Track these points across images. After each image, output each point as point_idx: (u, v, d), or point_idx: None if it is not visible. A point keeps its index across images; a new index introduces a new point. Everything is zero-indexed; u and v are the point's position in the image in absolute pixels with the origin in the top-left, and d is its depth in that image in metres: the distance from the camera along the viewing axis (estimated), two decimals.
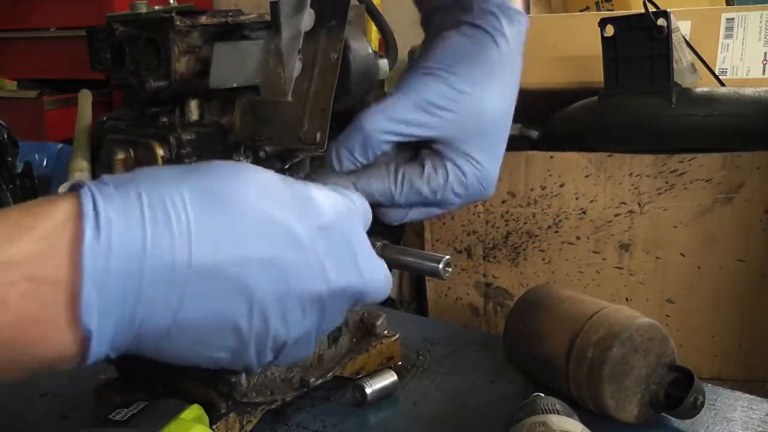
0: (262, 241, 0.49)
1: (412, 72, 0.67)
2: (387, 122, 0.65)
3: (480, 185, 0.67)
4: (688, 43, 1.35)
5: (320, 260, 0.51)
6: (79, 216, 0.42)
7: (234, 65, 0.61)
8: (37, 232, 0.41)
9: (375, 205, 0.68)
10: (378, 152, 0.65)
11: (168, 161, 0.62)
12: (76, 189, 0.45)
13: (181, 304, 0.45)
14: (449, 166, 0.66)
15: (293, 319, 0.51)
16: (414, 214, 0.69)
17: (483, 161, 0.67)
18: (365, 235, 0.56)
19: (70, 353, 0.44)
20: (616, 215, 1.35)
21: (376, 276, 0.56)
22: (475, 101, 0.66)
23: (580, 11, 1.68)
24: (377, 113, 0.65)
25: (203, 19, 0.62)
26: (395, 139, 0.65)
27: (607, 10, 1.63)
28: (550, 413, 0.60)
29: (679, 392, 0.67)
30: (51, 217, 0.42)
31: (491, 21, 0.67)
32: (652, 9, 1.29)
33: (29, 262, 0.41)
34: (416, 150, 0.68)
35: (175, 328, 0.46)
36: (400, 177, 0.66)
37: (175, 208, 0.45)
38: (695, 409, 0.67)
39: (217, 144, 0.65)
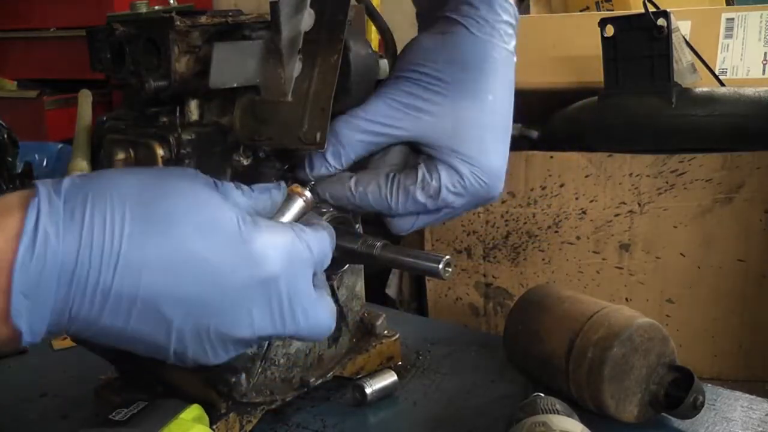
0: (188, 280, 0.50)
1: (388, 78, 0.67)
2: (359, 124, 0.65)
3: (481, 183, 0.66)
4: (688, 43, 1.35)
5: (249, 310, 0.52)
6: (19, 234, 0.46)
7: (234, 65, 0.61)
8: None
9: (380, 214, 0.68)
10: (353, 156, 0.65)
11: (168, 161, 0.62)
12: (33, 188, 0.49)
13: (103, 319, 0.49)
14: (442, 168, 0.65)
15: (214, 351, 0.53)
16: (421, 221, 0.69)
17: (479, 158, 0.66)
18: (310, 283, 0.55)
19: (5, 339, 0.48)
20: (616, 215, 1.35)
21: (312, 323, 0.56)
22: (453, 96, 0.65)
23: (580, 11, 1.68)
24: (348, 117, 0.65)
25: (203, 19, 0.62)
26: (370, 139, 0.65)
27: (607, 10, 1.63)
28: (550, 413, 0.60)
29: (679, 392, 0.67)
30: (3, 230, 0.46)
31: (465, 11, 0.66)
32: (652, 9, 1.29)
33: None
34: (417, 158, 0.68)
35: (100, 332, 0.50)
36: (395, 186, 0.66)
37: (113, 232, 0.48)
38: (695, 409, 0.67)
39: (217, 144, 0.65)
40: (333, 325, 0.58)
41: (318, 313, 0.56)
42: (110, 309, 0.48)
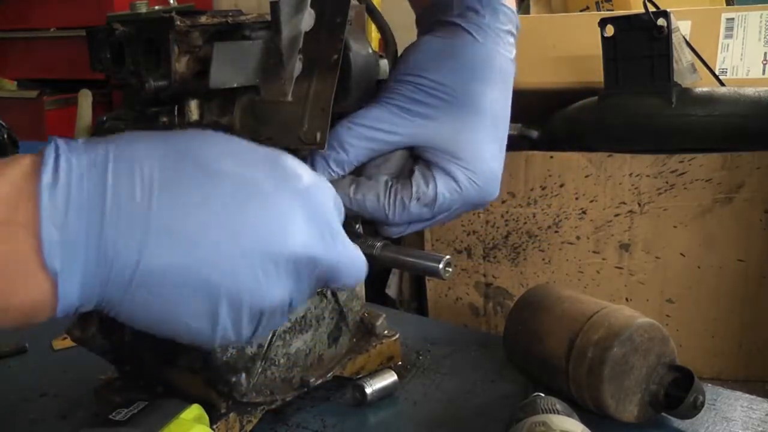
0: (226, 197, 0.47)
1: (388, 80, 0.67)
2: (362, 132, 0.65)
3: (476, 187, 0.66)
4: (688, 43, 1.35)
5: (294, 220, 0.49)
6: (39, 165, 0.43)
7: (234, 65, 0.61)
8: (6, 178, 0.42)
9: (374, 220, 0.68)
10: (355, 163, 0.66)
11: None
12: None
13: (143, 251, 0.44)
14: (439, 175, 0.65)
15: (265, 277, 0.48)
16: (414, 227, 0.69)
17: (476, 164, 0.66)
18: (338, 218, 0.54)
19: (43, 300, 0.43)
20: (616, 215, 1.35)
21: (350, 253, 0.54)
22: (454, 102, 0.65)
23: (580, 11, 1.68)
24: (351, 123, 0.65)
25: (203, 19, 0.62)
26: (372, 146, 0.65)
27: (607, 10, 1.63)
28: (550, 413, 0.60)
29: (679, 392, 0.67)
30: (18, 165, 0.43)
31: (470, 16, 0.66)
32: (652, 9, 1.29)
33: (1, 206, 0.42)
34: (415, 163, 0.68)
35: (140, 278, 0.44)
36: (392, 196, 0.66)
37: (140, 162, 0.45)
38: (695, 409, 0.67)
39: None
40: (365, 269, 0.55)
41: (349, 244, 0.54)
42: (153, 243, 0.44)
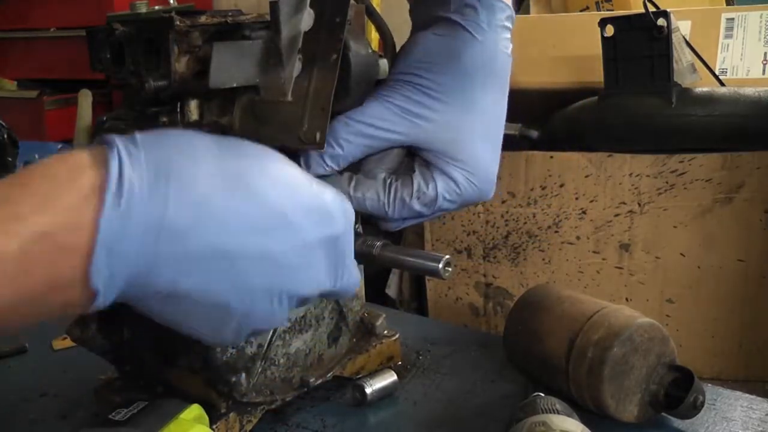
0: (271, 239, 0.50)
1: (387, 77, 0.67)
2: (357, 127, 0.65)
3: (475, 189, 0.66)
4: (688, 43, 1.35)
5: (318, 267, 0.53)
6: (103, 186, 0.44)
7: (234, 65, 0.61)
8: (66, 204, 0.43)
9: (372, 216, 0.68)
10: (350, 159, 0.66)
11: None
12: (104, 144, 0.46)
13: (179, 278, 0.47)
14: (438, 176, 0.66)
15: (279, 308, 0.52)
16: (410, 222, 0.69)
17: (474, 164, 0.66)
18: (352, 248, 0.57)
19: (77, 304, 0.46)
20: (616, 215, 1.35)
21: (351, 281, 0.57)
22: (453, 103, 0.65)
23: (580, 11, 1.68)
24: (347, 119, 0.65)
25: (203, 19, 0.62)
26: (367, 142, 0.65)
27: (607, 10, 1.63)
28: (550, 413, 0.60)
29: (679, 392, 0.67)
30: (77, 189, 0.44)
31: (468, 13, 0.65)
32: (652, 9, 1.29)
33: (57, 233, 0.43)
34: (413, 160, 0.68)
35: (172, 296, 0.48)
36: (392, 194, 0.66)
37: (197, 187, 0.46)
38: (695, 409, 0.67)
39: None
40: (358, 285, 0.60)
41: (353, 271, 0.57)
42: (193, 268, 0.47)
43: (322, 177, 0.66)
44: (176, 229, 0.46)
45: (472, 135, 0.66)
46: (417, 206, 0.66)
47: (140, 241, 0.45)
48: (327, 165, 0.65)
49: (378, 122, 0.65)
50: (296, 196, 0.51)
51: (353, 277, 0.57)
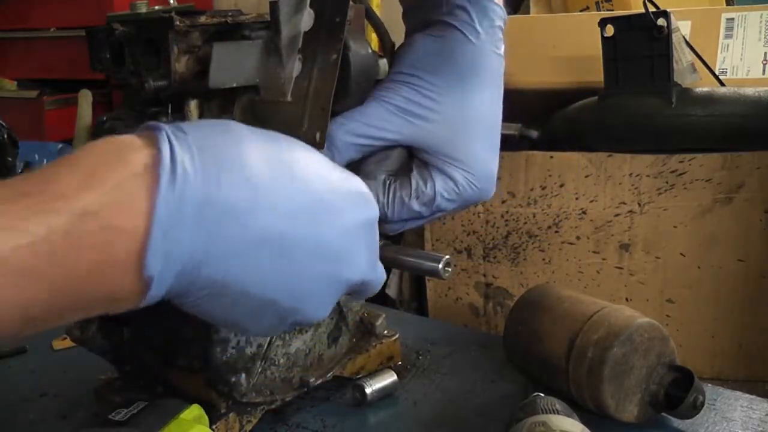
0: (319, 223, 0.49)
1: (384, 79, 0.67)
2: (353, 128, 0.65)
3: (474, 189, 0.67)
4: (688, 43, 1.35)
5: (359, 251, 0.53)
6: (156, 165, 0.42)
7: (234, 65, 0.61)
8: (114, 181, 0.41)
9: None
10: (346, 159, 0.66)
11: None
12: (151, 130, 0.44)
13: (229, 271, 0.46)
14: (437, 175, 0.66)
15: (322, 299, 0.52)
16: (411, 223, 0.69)
17: (472, 164, 0.66)
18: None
19: (130, 296, 0.44)
20: (616, 215, 1.35)
21: (382, 272, 0.57)
22: (450, 103, 0.65)
23: (580, 11, 1.68)
24: (343, 119, 0.65)
25: (203, 19, 0.62)
26: (364, 142, 0.65)
27: (607, 10, 1.63)
28: (550, 413, 0.60)
29: (679, 392, 0.67)
30: (127, 166, 0.42)
31: (461, 16, 0.66)
32: (652, 9, 1.29)
33: (105, 212, 0.41)
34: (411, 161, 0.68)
35: (221, 285, 0.46)
36: (391, 195, 0.66)
37: (245, 173, 0.45)
38: (695, 409, 0.67)
39: None
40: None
41: (379, 262, 0.57)
42: (246, 254, 0.46)
43: None
44: (229, 211, 0.44)
45: (468, 134, 0.66)
46: (416, 206, 0.66)
47: (194, 224, 0.43)
48: None
49: (374, 122, 0.65)
50: (335, 181, 0.51)
51: (381, 268, 0.57)
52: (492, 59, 0.67)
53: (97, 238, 0.40)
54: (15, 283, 0.38)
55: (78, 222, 0.39)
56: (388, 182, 0.67)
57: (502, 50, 0.68)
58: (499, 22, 0.68)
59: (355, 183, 0.53)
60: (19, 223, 0.38)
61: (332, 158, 0.65)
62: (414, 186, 0.66)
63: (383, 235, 0.69)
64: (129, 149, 0.43)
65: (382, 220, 0.68)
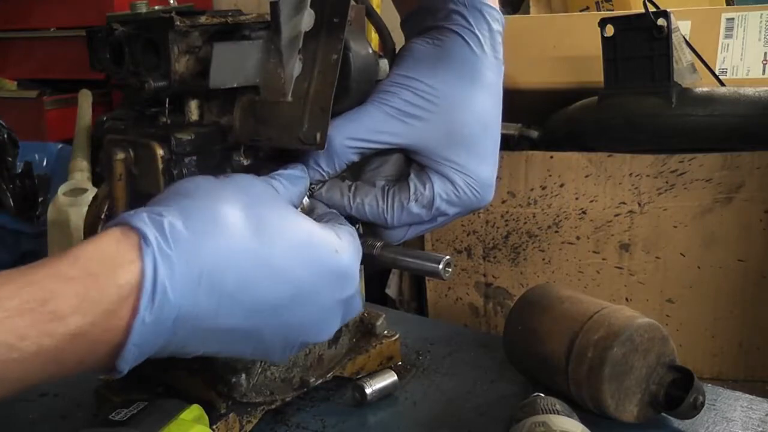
0: (293, 311, 0.54)
1: (381, 82, 0.67)
2: (352, 130, 0.65)
3: (473, 193, 0.67)
4: (688, 43, 1.35)
5: (334, 322, 0.58)
6: (140, 287, 0.47)
7: (234, 65, 0.61)
8: (105, 307, 0.46)
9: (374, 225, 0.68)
10: (345, 162, 0.66)
11: (168, 161, 0.62)
12: (136, 229, 0.49)
13: (206, 348, 0.53)
14: (435, 177, 0.66)
15: (290, 352, 0.59)
16: (413, 231, 0.70)
17: (470, 167, 0.66)
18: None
19: (96, 368, 0.50)
20: (616, 215, 1.35)
21: (356, 312, 0.62)
22: (448, 106, 0.65)
23: (580, 11, 1.68)
24: (343, 121, 0.65)
25: (203, 19, 0.62)
26: (362, 145, 0.65)
27: (607, 10, 1.63)
28: (550, 413, 0.60)
29: (679, 392, 0.67)
30: (116, 289, 0.47)
31: (457, 20, 0.67)
32: (652, 9, 1.29)
33: (93, 332, 0.46)
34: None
35: (188, 352, 0.54)
36: (390, 200, 0.66)
37: (225, 279, 0.50)
38: (695, 409, 0.67)
39: (217, 144, 0.65)
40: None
41: (359, 302, 0.62)
42: (215, 340, 0.52)
43: (320, 183, 0.67)
44: (202, 318, 0.50)
45: (466, 137, 0.66)
46: (415, 208, 0.66)
47: (169, 331, 0.49)
48: (323, 170, 0.65)
49: (373, 125, 0.65)
50: (316, 263, 0.55)
51: (359, 308, 0.61)
52: (491, 64, 0.67)
53: (82, 351, 0.47)
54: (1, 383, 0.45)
55: (69, 341, 0.45)
56: (386, 188, 0.67)
57: (501, 54, 0.69)
58: (498, 27, 0.68)
59: (338, 260, 0.56)
60: (16, 342, 0.43)
61: (333, 162, 0.65)
62: (412, 189, 0.66)
63: (382, 236, 0.69)
64: (118, 266, 0.47)
65: (383, 227, 0.68)
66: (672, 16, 1.28)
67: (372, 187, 0.67)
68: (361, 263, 0.69)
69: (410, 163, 0.68)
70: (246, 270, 0.51)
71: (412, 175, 0.67)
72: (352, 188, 0.67)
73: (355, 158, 0.66)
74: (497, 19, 0.68)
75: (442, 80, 0.66)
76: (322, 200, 0.67)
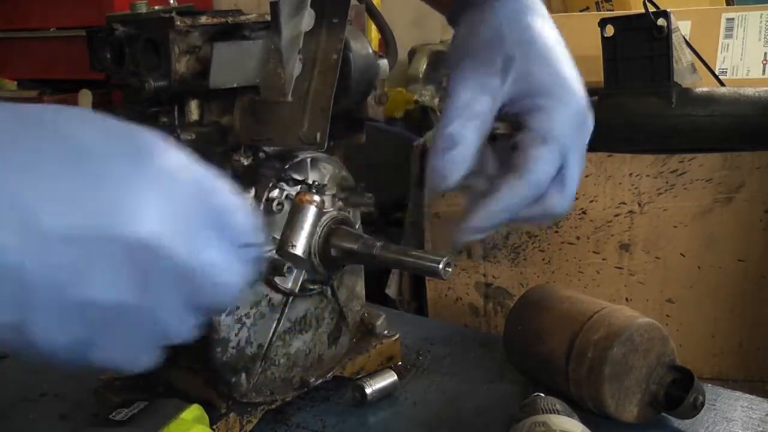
0: (60, 162, 0.39)
1: (447, 71, 0.64)
2: (458, 113, 0.61)
3: (569, 109, 0.69)
4: (688, 43, 1.35)
5: (146, 202, 0.42)
6: None
7: (234, 65, 0.61)
8: None
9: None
10: (473, 149, 0.61)
11: None
12: None
13: None
14: (529, 115, 0.64)
15: (90, 266, 0.39)
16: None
17: (562, 84, 0.67)
18: (236, 219, 0.47)
19: None
20: (616, 215, 1.35)
21: (223, 257, 0.46)
22: (522, 53, 0.65)
23: (580, 11, 1.68)
24: (448, 112, 0.61)
25: (203, 19, 0.62)
26: (476, 123, 0.61)
27: (607, 10, 1.63)
28: (550, 413, 0.60)
29: (679, 392, 0.67)
30: None
31: None
32: (652, 9, 1.29)
33: None
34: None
35: None
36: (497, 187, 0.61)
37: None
38: (695, 409, 0.67)
39: (217, 144, 0.65)
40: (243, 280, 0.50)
41: (231, 252, 0.47)
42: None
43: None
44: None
45: (552, 65, 0.66)
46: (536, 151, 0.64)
47: None
48: (455, 172, 0.59)
49: (471, 100, 0.61)
50: (103, 127, 0.42)
51: (226, 253, 0.45)
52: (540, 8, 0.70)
53: None
54: None
55: None
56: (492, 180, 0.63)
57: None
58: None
59: (145, 132, 0.43)
60: None
61: (462, 155, 0.60)
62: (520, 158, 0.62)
63: (383, 235, 0.69)
64: None
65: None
66: (672, 16, 1.28)
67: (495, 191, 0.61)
68: (362, 263, 0.69)
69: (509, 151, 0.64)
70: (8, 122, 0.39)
71: (517, 147, 0.63)
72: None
73: (479, 142, 0.61)
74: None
75: (509, 39, 0.65)
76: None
